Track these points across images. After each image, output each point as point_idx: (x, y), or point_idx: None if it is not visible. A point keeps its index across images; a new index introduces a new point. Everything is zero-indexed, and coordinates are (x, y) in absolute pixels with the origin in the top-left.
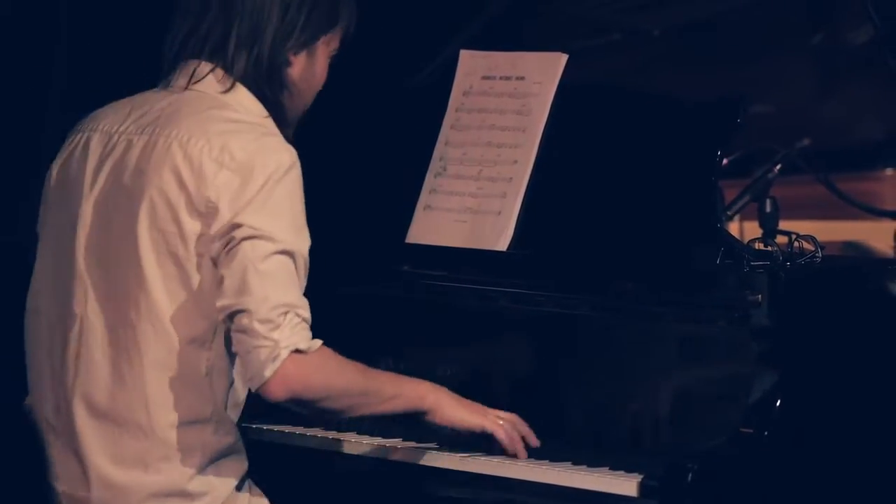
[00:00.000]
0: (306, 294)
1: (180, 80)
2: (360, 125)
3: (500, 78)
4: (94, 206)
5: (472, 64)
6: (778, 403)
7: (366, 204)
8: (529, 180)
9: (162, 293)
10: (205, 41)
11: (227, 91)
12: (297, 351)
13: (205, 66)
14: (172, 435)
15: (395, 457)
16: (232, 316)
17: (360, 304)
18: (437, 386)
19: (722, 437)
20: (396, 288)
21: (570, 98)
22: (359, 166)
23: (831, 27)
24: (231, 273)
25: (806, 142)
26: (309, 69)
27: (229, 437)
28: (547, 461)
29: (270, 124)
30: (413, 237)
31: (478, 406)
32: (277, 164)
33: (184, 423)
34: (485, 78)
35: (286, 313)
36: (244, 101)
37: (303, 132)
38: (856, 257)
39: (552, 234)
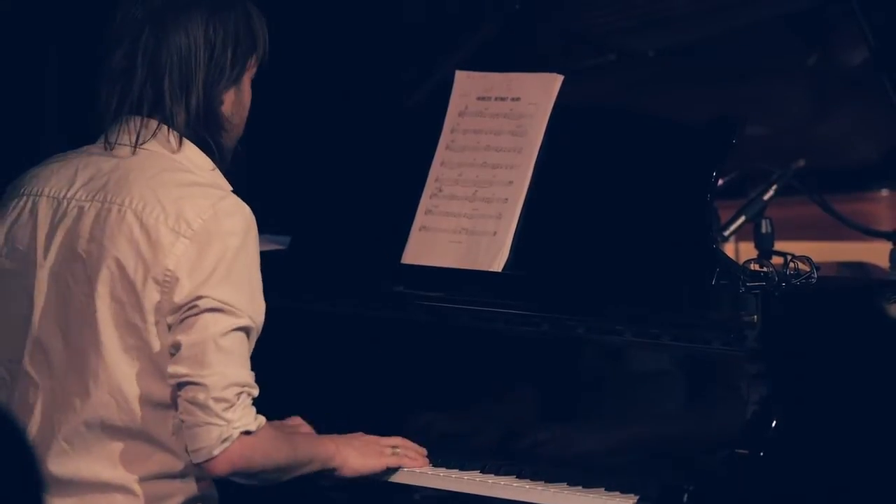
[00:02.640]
0: (300, 314)
1: (123, 137)
2: (357, 146)
3: (496, 98)
4: (51, 276)
5: (467, 84)
6: (773, 424)
7: (361, 224)
8: (525, 201)
9: (121, 363)
10: (140, 99)
11: (177, 150)
12: (246, 432)
13: (148, 124)
14: (146, 488)
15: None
16: (183, 385)
17: (355, 325)
18: (339, 440)
19: (717, 457)
20: (392, 308)
21: (566, 119)
22: (354, 187)
23: (826, 48)
24: (190, 343)
25: (801, 163)
26: (238, 101)
27: (202, 483)
28: (542, 482)
29: (219, 177)
30: (409, 258)
31: (374, 446)
32: (234, 229)
33: (155, 477)
34: (480, 98)
35: (240, 393)
36: (192, 157)
37: (300, 152)
38: (851, 278)
39: (548, 255)
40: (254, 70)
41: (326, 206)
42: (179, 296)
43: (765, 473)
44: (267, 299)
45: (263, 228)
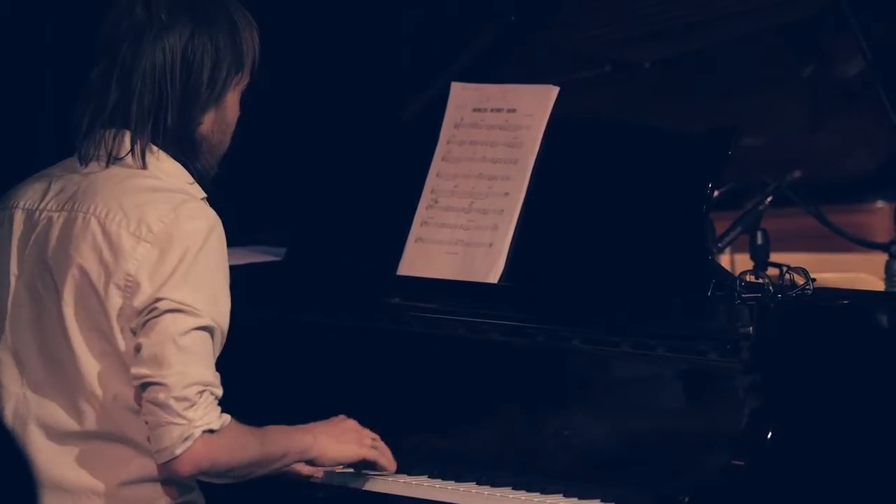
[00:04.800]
0: (296, 326)
1: (96, 151)
2: (353, 157)
3: (492, 110)
4: (24, 286)
5: (463, 96)
6: (769, 435)
7: (357, 236)
8: (521, 213)
9: (95, 368)
10: (113, 116)
11: (144, 167)
12: (209, 430)
13: (121, 138)
14: (130, 492)
15: (368, 486)
16: (146, 386)
17: (351, 337)
18: (316, 429)
19: (714, 469)
20: (388, 320)
21: (562, 130)
22: (351, 198)
23: (822, 59)
24: (150, 343)
25: (797, 174)
26: (220, 119)
27: (186, 487)
28: (538, 493)
29: (194, 189)
30: (404, 269)
31: (352, 434)
32: (195, 231)
33: (137, 482)
34: (476, 110)
35: (202, 392)
36: (166, 168)
37: (296, 164)
38: (846, 289)
39: (543, 266)
40: (242, 85)
41: (322, 217)
42: (140, 299)
43: (761, 484)
44: (262, 311)
45: (259, 240)
